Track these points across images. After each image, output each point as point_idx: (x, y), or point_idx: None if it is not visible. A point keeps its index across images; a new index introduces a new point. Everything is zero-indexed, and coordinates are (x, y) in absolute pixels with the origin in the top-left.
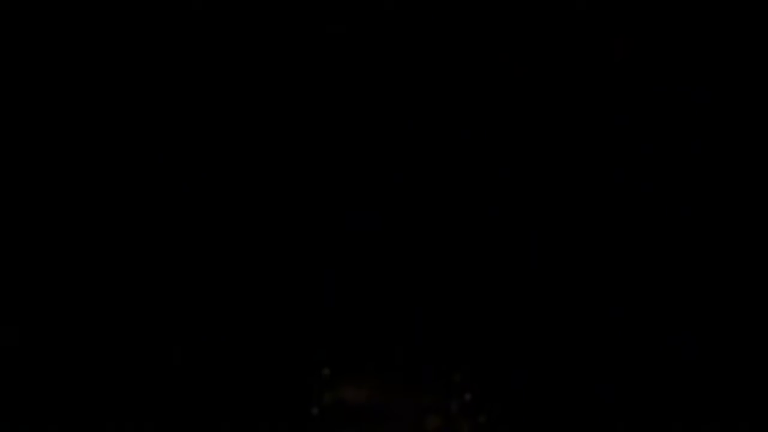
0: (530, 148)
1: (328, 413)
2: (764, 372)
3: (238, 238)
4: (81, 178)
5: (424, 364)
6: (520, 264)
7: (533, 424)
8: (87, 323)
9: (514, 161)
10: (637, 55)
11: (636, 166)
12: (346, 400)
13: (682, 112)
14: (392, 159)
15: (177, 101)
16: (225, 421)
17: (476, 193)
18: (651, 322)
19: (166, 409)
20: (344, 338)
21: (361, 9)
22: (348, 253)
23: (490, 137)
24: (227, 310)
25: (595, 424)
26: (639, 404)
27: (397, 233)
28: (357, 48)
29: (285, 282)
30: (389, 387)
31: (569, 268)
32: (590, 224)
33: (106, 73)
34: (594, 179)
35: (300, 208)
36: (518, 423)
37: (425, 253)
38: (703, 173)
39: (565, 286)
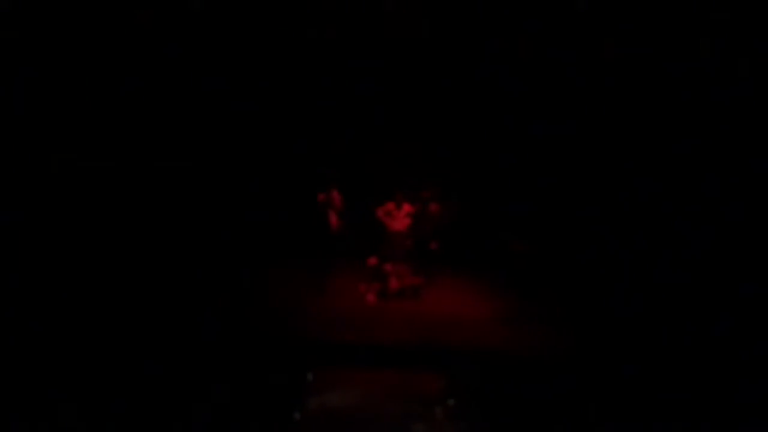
0: (527, 147)
1: (311, 418)
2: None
3: (225, 247)
4: (77, 176)
5: (408, 368)
6: (505, 270)
7: (517, 429)
8: (77, 322)
9: (499, 173)
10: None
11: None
12: (330, 405)
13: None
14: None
15: (171, 102)
16: (209, 425)
17: (468, 197)
18: (636, 329)
19: (153, 411)
20: (329, 343)
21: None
22: (333, 261)
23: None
24: (212, 314)
25: (579, 427)
26: (621, 408)
27: (392, 238)
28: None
29: (270, 287)
30: (374, 392)
31: (555, 274)
32: (577, 231)
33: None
34: (590, 182)
35: (286, 217)
36: (502, 428)
37: (411, 257)
38: (700, 170)
39: (549, 294)
